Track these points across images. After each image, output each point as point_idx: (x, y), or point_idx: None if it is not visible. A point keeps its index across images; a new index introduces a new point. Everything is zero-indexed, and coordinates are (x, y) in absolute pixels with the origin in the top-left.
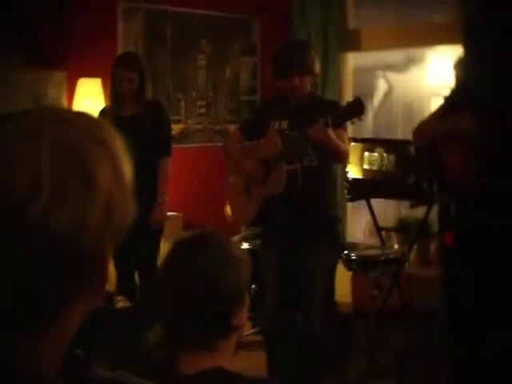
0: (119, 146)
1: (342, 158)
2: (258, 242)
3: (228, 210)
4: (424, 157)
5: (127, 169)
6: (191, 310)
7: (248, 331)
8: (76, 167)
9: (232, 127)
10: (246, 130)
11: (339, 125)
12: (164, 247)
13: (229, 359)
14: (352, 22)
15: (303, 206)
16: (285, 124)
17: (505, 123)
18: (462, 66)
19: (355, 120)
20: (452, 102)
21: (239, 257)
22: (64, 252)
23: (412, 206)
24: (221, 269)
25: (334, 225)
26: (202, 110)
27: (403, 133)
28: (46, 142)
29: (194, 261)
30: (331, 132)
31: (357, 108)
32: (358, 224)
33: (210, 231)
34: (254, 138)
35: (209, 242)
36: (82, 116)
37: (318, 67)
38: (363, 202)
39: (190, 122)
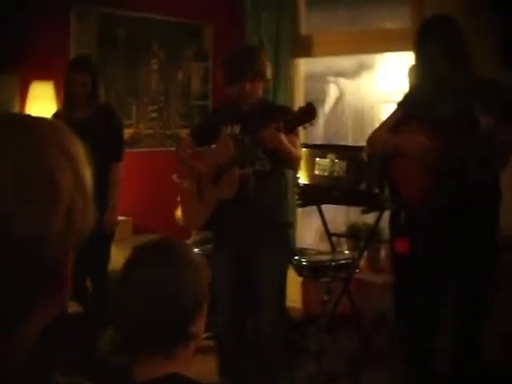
0: (80, 151)
1: (294, 164)
2: (209, 246)
3: (179, 214)
4: (376, 166)
5: (87, 174)
6: (150, 318)
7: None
8: (38, 174)
9: (183, 132)
10: (197, 134)
11: (291, 129)
12: (114, 252)
13: (186, 365)
14: (304, 28)
15: (255, 210)
16: (237, 129)
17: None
18: (413, 72)
19: (307, 125)
20: (404, 112)
21: (199, 265)
22: (25, 260)
23: (363, 212)
24: (181, 277)
25: (285, 230)
26: (154, 115)
27: (354, 139)
28: (8, 148)
29: (154, 268)
30: (283, 137)
31: (309, 113)
32: (309, 230)
33: (171, 238)
34: (206, 143)
35: (169, 250)
36: (43, 121)
37: (269, 72)
38: (313, 208)
39: (141, 126)
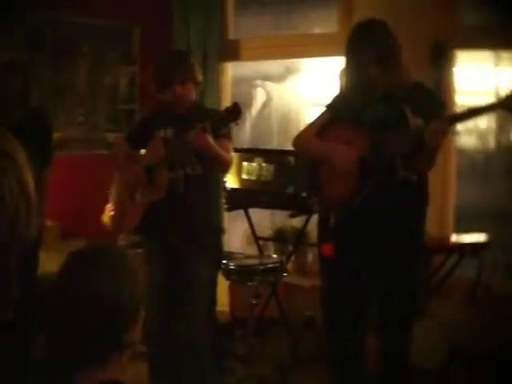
0: (22, 157)
1: (224, 166)
2: (136, 251)
3: (105, 218)
4: (303, 168)
5: (31, 181)
6: (84, 327)
7: None
8: None
9: (111, 136)
10: (131, 138)
11: (218, 129)
12: (42, 257)
13: (121, 372)
14: (232, 33)
15: (186, 214)
16: (170, 132)
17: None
18: (343, 75)
19: (233, 124)
20: (333, 115)
21: (135, 271)
22: None
23: (291, 215)
24: (116, 286)
25: (216, 235)
26: (81, 119)
27: (279, 142)
28: None
29: (90, 275)
30: (210, 138)
31: (234, 112)
32: (236, 233)
33: (107, 244)
34: (140, 147)
35: (105, 256)
36: None
37: (200, 75)
38: (240, 211)
39: (68, 130)
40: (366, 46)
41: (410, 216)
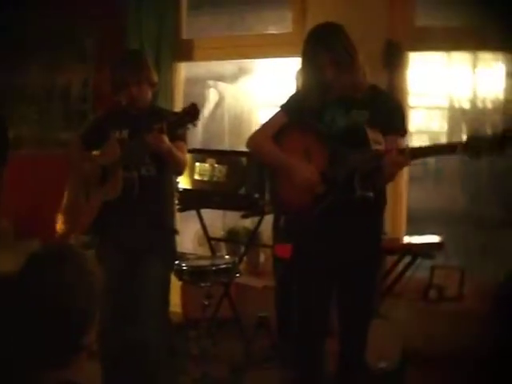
0: None
1: (180, 168)
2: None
3: (58, 218)
4: (256, 170)
5: None
6: (44, 328)
7: None
8: None
9: (64, 135)
10: (86, 137)
11: (174, 130)
12: None
13: (80, 373)
14: (185, 32)
15: (139, 214)
16: (125, 133)
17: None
18: (300, 77)
19: (190, 126)
20: (289, 118)
21: (92, 273)
22: None
23: (243, 216)
24: (73, 290)
25: (170, 236)
26: (34, 118)
27: (231, 143)
28: None
29: (49, 277)
30: (166, 139)
31: (191, 113)
32: (188, 234)
33: (67, 245)
34: (95, 147)
35: (62, 259)
36: None
37: (155, 76)
38: (192, 212)
39: (21, 129)
40: (323, 48)
41: (367, 227)
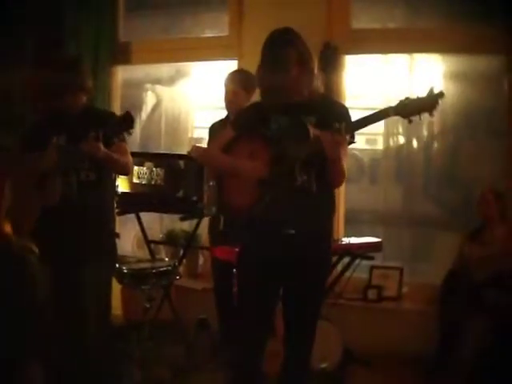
0: None
1: (125, 170)
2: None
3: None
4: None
5: None
6: None
7: None
8: None
9: (4, 140)
10: (24, 142)
11: (111, 138)
12: None
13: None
14: (123, 35)
15: (80, 220)
16: (62, 139)
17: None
18: (257, 73)
19: (125, 134)
20: (236, 132)
21: (34, 277)
22: None
23: (182, 219)
24: (17, 292)
25: (111, 239)
26: None
27: (167, 145)
28: None
29: None
30: (101, 146)
31: (126, 122)
32: (127, 237)
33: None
34: (33, 151)
35: (5, 260)
36: None
37: (90, 82)
38: (131, 215)
39: None
40: (291, 46)
41: (313, 222)
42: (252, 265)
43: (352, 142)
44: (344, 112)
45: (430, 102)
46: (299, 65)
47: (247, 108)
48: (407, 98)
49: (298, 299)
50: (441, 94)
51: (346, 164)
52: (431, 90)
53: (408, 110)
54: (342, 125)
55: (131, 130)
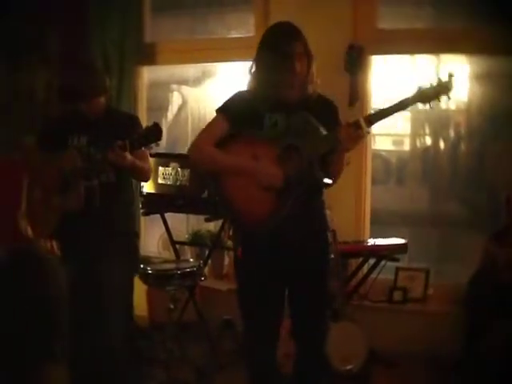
0: None
1: (144, 177)
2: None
3: (23, 223)
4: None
5: None
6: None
7: None
8: None
9: (29, 139)
10: (43, 142)
11: (136, 149)
12: None
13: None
14: (148, 36)
15: (102, 221)
16: (84, 140)
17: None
18: (251, 78)
19: (153, 145)
20: (232, 125)
21: (57, 280)
22: None
23: (207, 220)
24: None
25: (133, 240)
26: None
27: None
28: None
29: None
30: (128, 155)
31: (155, 134)
32: (152, 238)
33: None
34: (52, 151)
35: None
36: None
37: (107, 84)
38: (157, 216)
39: None
40: (295, 39)
41: (317, 219)
42: (252, 267)
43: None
44: (337, 111)
45: (445, 85)
46: (308, 60)
47: (238, 99)
48: (421, 87)
49: (303, 297)
50: (451, 75)
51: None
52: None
53: (425, 96)
54: (360, 118)
55: (158, 142)
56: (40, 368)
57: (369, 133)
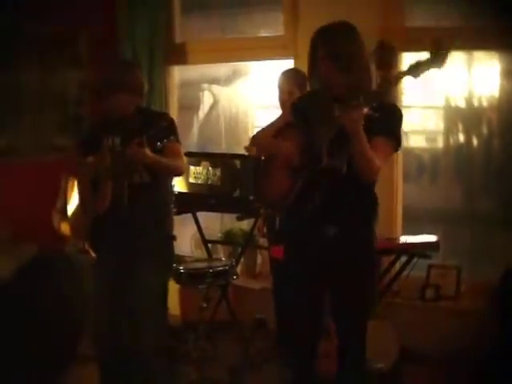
0: None
1: (177, 172)
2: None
3: (56, 223)
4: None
5: None
6: (37, 335)
7: None
8: None
9: (60, 141)
10: (81, 145)
11: (154, 144)
12: None
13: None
14: (178, 36)
15: (133, 223)
16: (117, 141)
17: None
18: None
19: (171, 138)
20: (294, 119)
21: (87, 278)
22: None
23: (238, 218)
24: (68, 298)
25: (167, 242)
26: (30, 123)
27: (227, 146)
28: None
29: (41, 288)
30: (147, 152)
31: (169, 127)
32: (184, 237)
33: (61, 254)
34: (89, 154)
35: (57, 267)
36: None
37: (145, 87)
38: (189, 215)
39: (16, 135)
40: (321, 41)
41: (358, 215)
42: (298, 265)
43: (374, 115)
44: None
45: (439, 58)
46: (349, 60)
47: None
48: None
49: (343, 301)
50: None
51: (385, 161)
52: (438, 44)
53: (416, 69)
54: (360, 99)
55: (172, 137)
56: (67, 368)
57: (363, 105)
